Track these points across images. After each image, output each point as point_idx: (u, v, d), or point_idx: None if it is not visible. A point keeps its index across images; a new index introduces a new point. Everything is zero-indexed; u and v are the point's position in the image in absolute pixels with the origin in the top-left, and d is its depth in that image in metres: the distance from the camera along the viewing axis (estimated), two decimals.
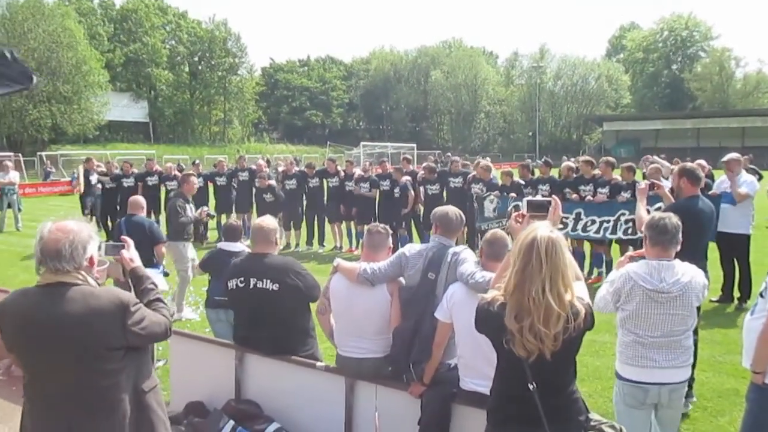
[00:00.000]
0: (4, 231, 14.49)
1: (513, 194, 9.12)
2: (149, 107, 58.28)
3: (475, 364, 2.98)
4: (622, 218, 8.16)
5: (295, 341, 3.80)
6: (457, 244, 3.50)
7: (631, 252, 3.57)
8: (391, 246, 3.78)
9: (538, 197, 4.49)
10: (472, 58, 74.41)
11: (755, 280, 7.06)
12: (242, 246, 5.12)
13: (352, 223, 11.54)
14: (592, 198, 8.61)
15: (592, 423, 2.42)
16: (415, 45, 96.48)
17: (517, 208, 5.73)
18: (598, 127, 69.75)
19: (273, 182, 11.79)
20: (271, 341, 3.77)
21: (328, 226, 11.86)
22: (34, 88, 5.66)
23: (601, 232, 8.36)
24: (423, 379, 3.23)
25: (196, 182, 8.09)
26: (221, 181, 12.62)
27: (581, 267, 8.13)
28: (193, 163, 17.15)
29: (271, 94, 74.22)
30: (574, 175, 9.31)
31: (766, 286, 3.03)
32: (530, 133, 69.83)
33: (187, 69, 62.68)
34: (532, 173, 10.50)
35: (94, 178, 12.99)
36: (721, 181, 7.52)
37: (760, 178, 11.26)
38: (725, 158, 7.27)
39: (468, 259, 3.20)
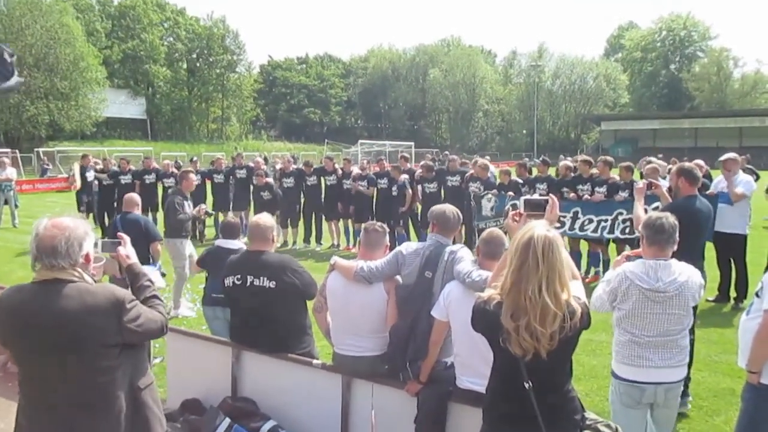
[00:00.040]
0: (0, 227, 14.45)
1: (511, 193, 9.12)
2: (147, 104, 58.10)
3: (472, 363, 2.99)
4: (620, 217, 8.17)
5: (291, 339, 3.80)
6: (454, 242, 3.50)
7: (627, 251, 3.57)
8: (388, 244, 3.78)
9: (536, 196, 4.50)
10: (470, 57, 74.35)
11: (751, 280, 7.07)
12: (240, 243, 5.10)
13: (349, 221, 11.53)
14: (589, 197, 8.62)
15: (587, 422, 2.42)
16: (413, 43, 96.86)
17: (514, 207, 5.73)
18: (596, 126, 69.81)
19: (270, 180, 11.78)
20: (268, 339, 3.77)
21: (325, 224, 11.86)
22: (13, 88, 5.62)
23: (599, 231, 8.36)
24: (419, 377, 3.23)
25: (195, 179, 8.07)
26: (219, 178, 12.61)
27: (578, 266, 8.14)
28: (191, 161, 17.12)
29: (269, 91, 74.11)
30: (572, 175, 9.33)
31: (762, 286, 3.03)
32: (525, 132, 69.90)
33: (185, 66, 62.52)
34: (530, 172, 10.51)
35: (90, 175, 12.95)
36: (719, 181, 7.53)
37: (758, 178, 11.30)
38: (722, 158, 7.29)
39: (465, 258, 3.21)
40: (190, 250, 7.43)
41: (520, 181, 9.70)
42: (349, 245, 11.45)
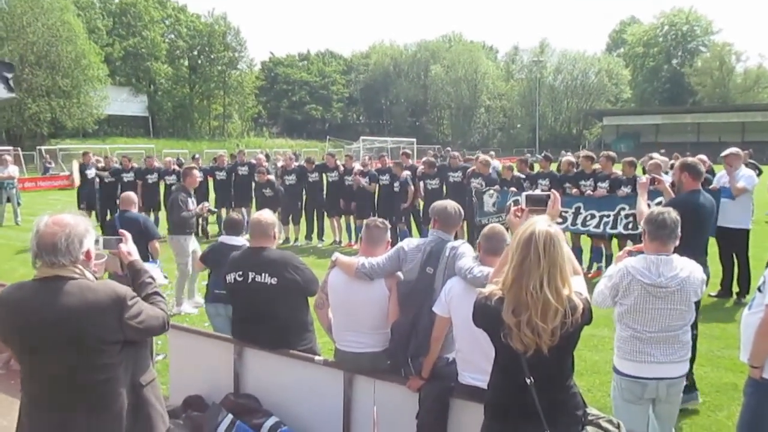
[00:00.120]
0: (3, 225, 14.48)
1: (513, 189, 9.11)
2: (149, 101, 58.09)
3: (473, 359, 2.98)
4: (622, 213, 8.15)
5: (293, 335, 3.80)
6: (456, 238, 3.50)
7: (629, 247, 3.56)
8: (390, 240, 3.78)
9: (537, 191, 4.49)
10: (472, 53, 74.21)
11: (754, 275, 7.06)
12: (243, 240, 5.10)
13: (351, 217, 11.54)
14: (592, 192, 8.61)
15: (589, 417, 2.42)
16: (414, 39, 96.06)
17: (516, 202, 5.72)
18: (598, 121, 69.67)
19: (272, 177, 11.78)
20: (269, 335, 3.77)
21: (327, 221, 11.86)
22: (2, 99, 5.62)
23: (602, 226, 8.35)
24: (421, 373, 3.23)
25: (199, 176, 8.06)
26: (221, 175, 12.62)
27: (579, 262, 8.13)
28: (193, 158, 17.13)
29: (270, 88, 74.01)
30: (575, 170, 9.31)
31: (764, 280, 3.03)
32: (527, 127, 69.75)
33: (186, 63, 62.49)
34: (531, 168, 10.50)
35: (91, 172, 12.97)
36: (721, 176, 7.52)
37: (760, 173, 11.27)
38: (724, 153, 7.28)
39: (466, 254, 3.20)
40: (194, 246, 7.42)
41: (523, 176, 9.69)
42: (351, 242, 11.45)
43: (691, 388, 4.41)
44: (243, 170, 12.50)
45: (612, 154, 9.18)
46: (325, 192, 11.78)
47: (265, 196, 11.24)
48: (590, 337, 5.77)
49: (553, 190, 3.05)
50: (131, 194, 6.64)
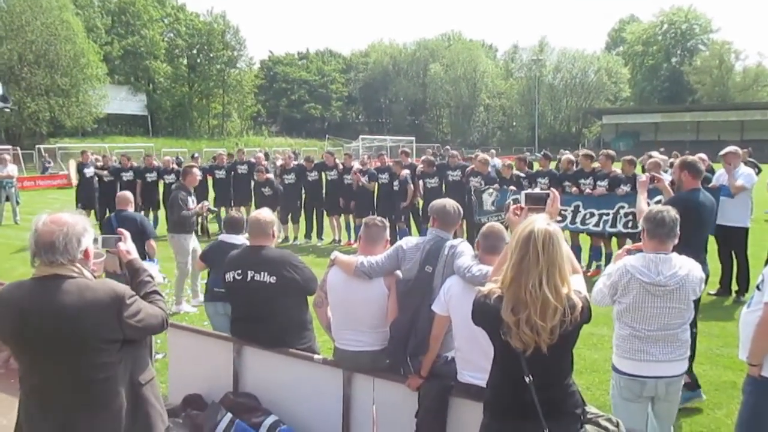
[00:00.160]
0: (2, 224, 14.46)
1: (512, 187, 9.12)
2: (148, 100, 58.00)
3: (472, 357, 2.99)
4: (621, 211, 8.15)
5: (292, 334, 3.80)
6: (455, 237, 3.50)
7: (628, 245, 3.56)
8: (389, 239, 3.77)
9: (537, 190, 4.49)
10: (471, 51, 74.14)
11: (753, 273, 7.06)
12: (243, 239, 5.09)
13: (350, 216, 11.53)
14: (591, 191, 8.61)
15: (588, 416, 2.42)
16: (414, 38, 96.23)
17: (515, 201, 5.73)
18: (597, 120, 69.69)
19: (271, 176, 11.77)
20: (269, 334, 3.77)
21: (326, 220, 11.86)
22: None
23: (601, 225, 8.36)
24: (420, 371, 3.24)
25: (198, 174, 8.05)
26: (220, 174, 12.62)
27: (578, 260, 8.13)
28: (192, 157, 17.11)
29: (269, 87, 73.93)
30: (574, 168, 9.31)
31: (763, 279, 3.03)
32: (526, 126, 69.73)
33: (185, 62, 62.39)
34: (530, 166, 10.50)
35: (89, 171, 12.95)
36: (720, 174, 7.52)
37: (759, 171, 11.28)
38: (723, 151, 7.28)
39: (465, 253, 3.20)
40: (194, 245, 7.41)
41: (522, 175, 9.69)
42: (350, 240, 11.44)
43: (694, 386, 4.42)
44: (242, 169, 12.50)
45: (611, 152, 9.18)
46: (324, 191, 11.77)
47: (265, 195, 11.23)
48: (589, 335, 5.78)
49: (552, 188, 3.05)
50: (127, 193, 6.63)
